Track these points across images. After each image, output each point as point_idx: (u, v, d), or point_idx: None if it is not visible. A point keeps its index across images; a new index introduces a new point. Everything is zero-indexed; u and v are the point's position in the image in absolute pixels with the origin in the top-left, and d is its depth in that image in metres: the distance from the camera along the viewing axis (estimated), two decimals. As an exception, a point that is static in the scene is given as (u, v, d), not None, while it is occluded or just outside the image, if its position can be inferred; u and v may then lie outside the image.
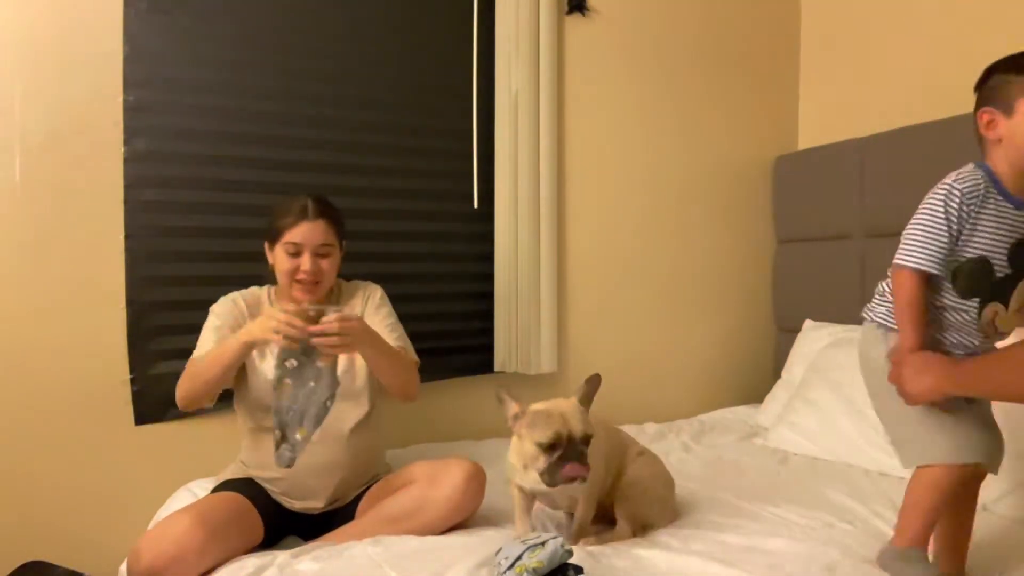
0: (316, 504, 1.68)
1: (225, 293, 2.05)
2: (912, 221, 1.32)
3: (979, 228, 1.27)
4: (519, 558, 1.22)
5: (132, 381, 2.04)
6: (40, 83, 1.93)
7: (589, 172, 2.69)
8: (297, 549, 1.47)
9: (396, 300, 2.38)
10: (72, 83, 1.96)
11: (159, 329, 2.07)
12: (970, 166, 1.32)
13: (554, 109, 2.52)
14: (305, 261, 1.71)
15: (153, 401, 2.06)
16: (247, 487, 1.66)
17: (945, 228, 1.27)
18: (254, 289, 1.86)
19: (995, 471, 1.33)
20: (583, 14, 2.63)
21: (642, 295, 2.81)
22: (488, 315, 2.50)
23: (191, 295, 2.09)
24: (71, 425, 1.98)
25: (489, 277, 2.49)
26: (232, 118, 2.15)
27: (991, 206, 1.27)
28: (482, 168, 2.48)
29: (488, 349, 2.50)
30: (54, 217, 1.96)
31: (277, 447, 1.59)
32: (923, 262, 1.27)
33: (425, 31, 2.41)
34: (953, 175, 1.31)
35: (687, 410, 2.79)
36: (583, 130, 2.67)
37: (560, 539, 1.26)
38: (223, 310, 1.78)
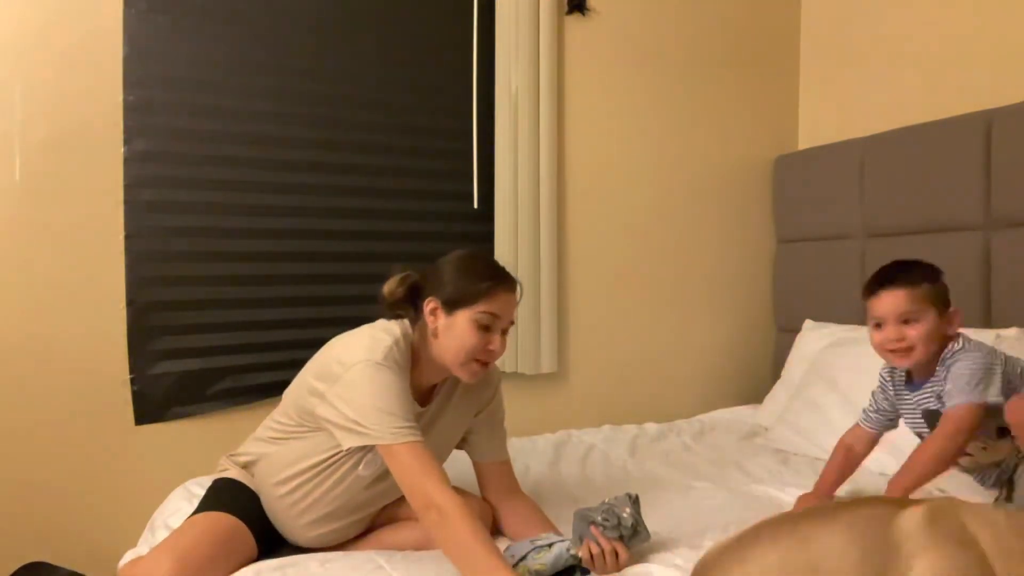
0: (328, 545, 1.56)
1: (225, 293, 2.05)
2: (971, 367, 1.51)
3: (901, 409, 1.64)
4: (524, 558, 1.22)
5: (132, 381, 2.04)
6: (40, 83, 1.93)
7: (589, 172, 2.69)
8: (298, 556, 1.46)
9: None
10: (72, 83, 1.96)
11: (159, 329, 2.07)
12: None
13: (554, 109, 2.52)
14: (496, 340, 1.43)
15: (153, 401, 2.06)
16: (243, 501, 1.52)
17: (878, 406, 1.69)
18: (400, 345, 1.43)
19: None
20: (583, 14, 2.63)
21: (642, 295, 2.81)
22: (488, 315, 2.50)
23: (191, 295, 2.09)
24: (71, 425, 1.98)
25: (489, 277, 2.49)
26: (232, 118, 2.15)
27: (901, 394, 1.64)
28: (482, 168, 2.48)
29: (488, 349, 2.49)
30: (54, 217, 1.96)
31: None
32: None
33: (425, 31, 2.41)
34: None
35: (687, 410, 2.79)
36: (583, 130, 2.67)
37: (567, 543, 1.26)
38: (399, 372, 1.39)
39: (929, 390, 1.54)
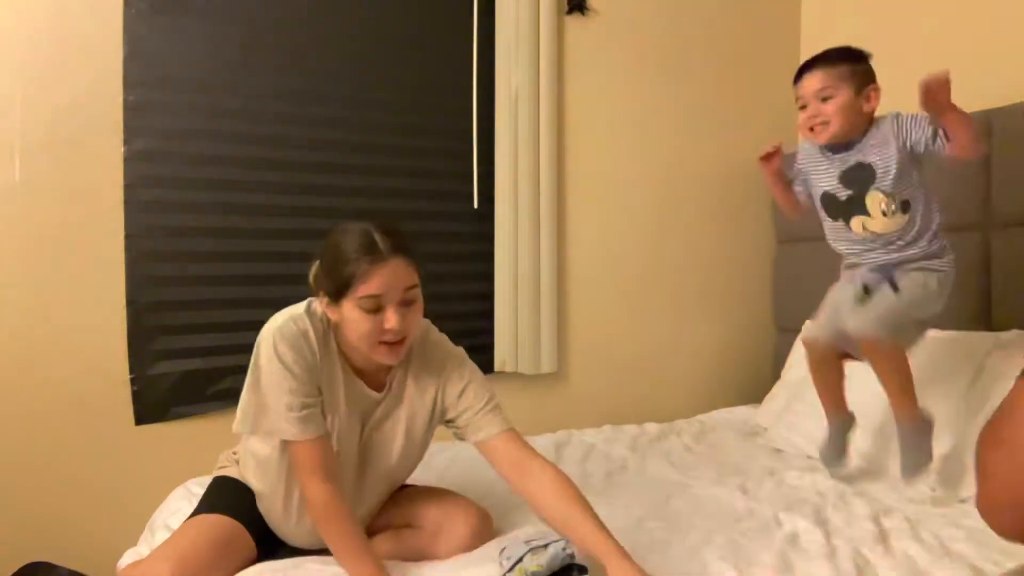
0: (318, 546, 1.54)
1: (225, 293, 2.04)
2: None
3: (817, 175, 1.81)
4: (520, 560, 1.22)
5: (132, 381, 2.04)
6: (40, 83, 1.93)
7: (589, 172, 2.69)
8: (299, 559, 1.46)
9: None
10: (72, 83, 1.96)
11: (159, 329, 2.07)
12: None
13: (554, 109, 2.52)
14: (391, 317, 1.32)
15: (153, 401, 2.06)
16: (241, 501, 1.52)
17: (796, 169, 1.89)
18: (315, 324, 1.40)
19: None
20: (583, 14, 2.63)
21: (642, 295, 2.81)
22: (488, 315, 2.50)
23: (191, 295, 2.09)
24: (71, 425, 1.98)
25: (489, 277, 2.49)
26: (232, 118, 2.15)
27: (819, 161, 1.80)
28: (482, 168, 2.48)
29: (488, 349, 2.50)
30: (54, 217, 1.96)
31: None
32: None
33: (425, 31, 2.41)
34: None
35: (687, 410, 2.79)
36: (583, 130, 2.67)
37: (563, 542, 1.25)
38: (301, 361, 1.36)
39: (857, 150, 1.71)
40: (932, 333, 2.18)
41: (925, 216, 1.73)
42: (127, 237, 2.03)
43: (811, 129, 1.69)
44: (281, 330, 1.36)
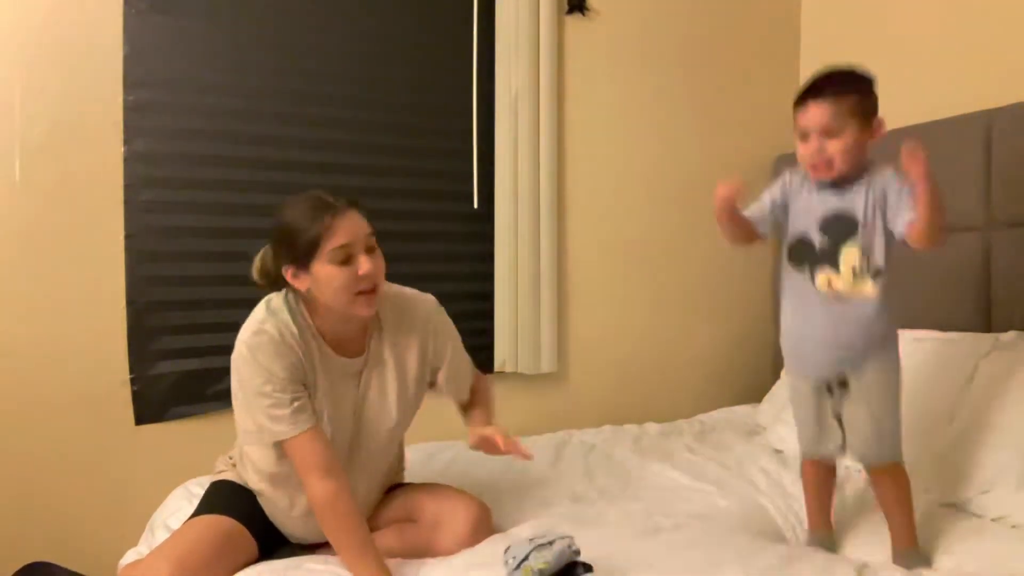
0: (321, 540, 1.53)
1: (225, 293, 2.03)
2: None
3: (791, 205, 1.60)
4: (526, 558, 1.22)
5: (132, 381, 2.04)
6: (40, 83, 1.93)
7: (589, 172, 2.69)
8: (299, 558, 1.46)
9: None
10: (72, 83, 1.96)
11: (159, 329, 2.07)
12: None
13: (554, 109, 2.51)
14: (363, 263, 1.40)
15: (153, 401, 2.06)
16: (241, 501, 1.53)
17: (774, 192, 1.63)
18: (285, 318, 1.44)
19: None
20: (583, 14, 2.63)
21: (642, 295, 2.81)
22: (488, 315, 2.50)
23: (191, 295, 2.09)
24: (71, 425, 1.98)
25: (489, 277, 2.49)
26: (232, 118, 2.15)
27: (799, 191, 1.59)
28: (482, 168, 2.48)
29: (488, 349, 2.49)
30: (54, 217, 1.96)
31: None
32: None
33: (425, 31, 2.41)
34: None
35: (687, 410, 2.78)
36: (583, 130, 2.67)
37: (568, 539, 1.25)
38: (278, 361, 1.40)
39: (845, 194, 1.53)
40: (931, 334, 2.19)
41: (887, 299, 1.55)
42: (127, 237, 2.03)
43: (813, 165, 1.51)
44: (249, 344, 1.41)
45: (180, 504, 1.72)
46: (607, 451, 2.24)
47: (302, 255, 1.39)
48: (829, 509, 1.66)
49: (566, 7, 2.60)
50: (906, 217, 1.46)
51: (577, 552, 1.25)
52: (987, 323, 2.17)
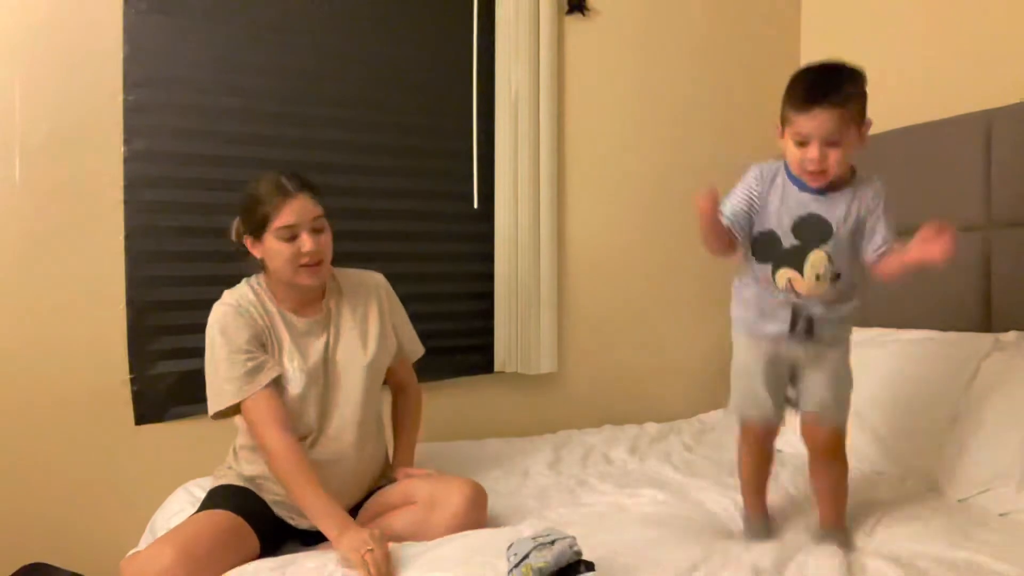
0: (313, 527, 1.58)
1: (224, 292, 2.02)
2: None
3: (767, 203, 1.53)
4: (527, 556, 1.23)
5: (132, 381, 2.04)
6: (40, 83, 1.93)
7: (589, 172, 2.69)
8: (296, 555, 1.46)
9: (396, 300, 2.37)
10: (72, 83, 1.96)
11: (159, 329, 2.07)
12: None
13: (554, 109, 2.51)
14: (306, 241, 1.57)
15: (153, 401, 2.06)
16: (242, 500, 1.57)
17: (744, 191, 1.55)
18: (244, 291, 1.66)
19: None
20: (583, 14, 2.63)
21: (642, 295, 2.81)
22: (488, 315, 2.50)
23: (191, 295, 2.08)
24: (71, 425, 1.98)
25: (489, 277, 2.49)
26: (232, 118, 2.15)
27: (775, 187, 1.53)
28: (482, 168, 2.48)
29: (488, 349, 2.50)
30: (54, 217, 1.96)
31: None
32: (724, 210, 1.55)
33: (425, 31, 2.41)
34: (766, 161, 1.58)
35: (687, 410, 2.78)
36: (583, 130, 2.67)
37: (570, 539, 1.26)
38: (234, 328, 1.58)
39: (824, 199, 1.49)
40: (931, 334, 2.19)
41: (854, 288, 1.55)
42: (127, 237, 2.03)
43: (810, 171, 1.45)
44: (215, 315, 1.61)
45: (181, 505, 1.73)
46: (606, 451, 2.24)
47: (256, 228, 1.60)
48: (765, 494, 1.68)
49: (566, 7, 2.60)
50: (880, 249, 1.47)
51: (578, 553, 1.25)
52: (987, 323, 2.18)
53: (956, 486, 1.77)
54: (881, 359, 2.11)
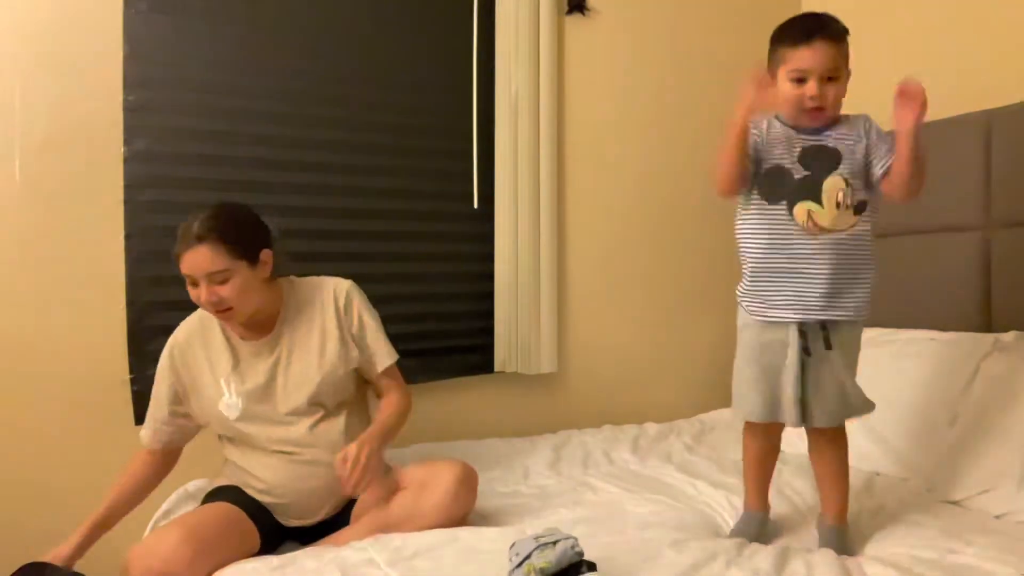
0: (311, 521, 1.65)
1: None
2: None
3: (768, 147, 1.49)
4: (529, 556, 1.23)
5: (132, 381, 2.03)
6: (40, 83, 1.93)
7: (589, 172, 2.69)
8: (293, 553, 1.46)
9: (397, 301, 2.37)
10: (72, 83, 1.96)
11: (159, 329, 2.06)
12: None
13: (554, 109, 2.51)
14: (203, 292, 1.55)
15: (153, 401, 2.06)
16: (240, 495, 1.62)
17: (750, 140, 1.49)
18: (192, 322, 1.75)
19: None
20: (583, 14, 2.63)
21: (642, 295, 2.81)
22: (488, 315, 2.50)
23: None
24: (71, 425, 1.98)
25: (489, 277, 2.49)
26: (232, 118, 2.15)
27: (772, 131, 1.50)
28: (482, 168, 2.48)
29: (488, 349, 2.50)
30: (54, 217, 1.96)
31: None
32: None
33: (425, 31, 2.41)
34: None
35: (687, 410, 2.79)
36: (583, 130, 2.67)
37: (572, 540, 1.26)
38: (161, 376, 1.73)
39: (825, 136, 1.47)
40: (931, 334, 2.19)
41: (872, 238, 1.50)
42: (127, 237, 2.03)
43: (812, 110, 1.43)
44: (164, 351, 1.71)
45: (180, 505, 1.73)
46: (607, 451, 2.24)
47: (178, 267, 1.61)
48: (768, 486, 1.64)
49: (566, 7, 2.60)
50: (885, 161, 1.44)
51: (580, 553, 1.26)
52: (987, 323, 2.18)
53: (955, 487, 1.77)
54: (881, 359, 2.11)
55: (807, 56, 1.40)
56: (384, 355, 1.75)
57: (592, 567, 1.25)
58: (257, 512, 1.59)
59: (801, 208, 1.44)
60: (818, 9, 1.59)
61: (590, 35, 2.66)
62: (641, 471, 2.06)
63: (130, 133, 2.02)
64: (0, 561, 1.85)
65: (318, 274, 2.25)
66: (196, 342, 1.69)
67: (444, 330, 2.47)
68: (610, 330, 2.75)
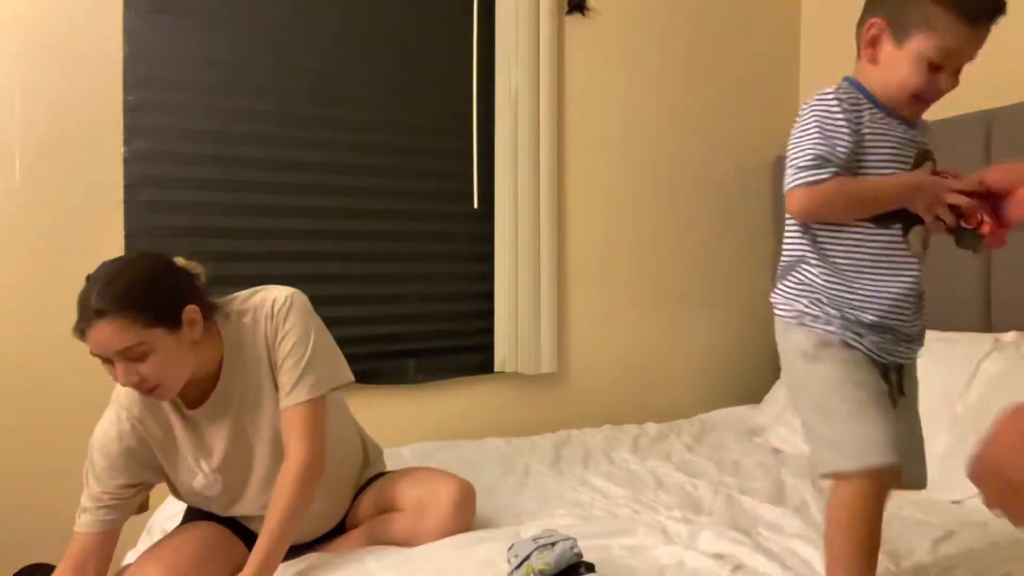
0: (301, 541, 1.55)
1: (225, 292, 2.02)
2: (796, 138, 1.16)
3: (868, 147, 1.12)
4: (527, 558, 1.23)
5: (132, 381, 2.03)
6: (40, 83, 1.93)
7: (589, 172, 2.69)
8: (289, 562, 1.46)
9: (397, 301, 2.37)
10: (72, 83, 1.96)
11: (159, 329, 2.07)
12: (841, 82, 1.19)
13: (554, 109, 2.52)
14: (119, 372, 1.28)
15: (153, 401, 2.06)
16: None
17: (846, 128, 1.11)
18: (120, 409, 1.44)
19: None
20: (583, 14, 2.63)
21: (642, 295, 2.81)
22: (488, 315, 2.50)
23: (191, 295, 2.09)
24: (71, 425, 1.98)
25: (489, 277, 2.49)
26: (232, 118, 2.15)
27: (870, 123, 1.14)
28: (482, 168, 2.48)
29: (488, 349, 2.50)
30: (54, 217, 1.96)
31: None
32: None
33: (425, 31, 2.41)
34: (824, 89, 1.17)
35: (687, 410, 2.79)
36: (583, 130, 2.67)
37: (571, 541, 1.26)
38: (100, 468, 1.45)
39: (919, 130, 1.20)
40: (931, 334, 2.18)
41: None
42: (127, 237, 2.03)
43: (928, 100, 1.14)
44: (94, 437, 1.44)
45: (178, 507, 1.73)
46: (607, 451, 2.24)
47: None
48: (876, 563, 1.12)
49: (566, 7, 2.60)
50: None
51: (579, 554, 1.26)
52: (987, 323, 2.18)
53: (955, 487, 1.77)
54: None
55: (970, 40, 1.12)
56: (293, 389, 1.40)
57: (591, 568, 1.26)
58: (240, 528, 1.52)
59: (917, 234, 1.14)
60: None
61: (590, 35, 2.66)
62: (642, 471, 2.05)
63: (130, 133, 2.02)
64: (1, 560, 1.86)
65: (318, 273, 2.27)
66: (144, 411, 1.41)
67: (444, 330, 2.48)
68: (610, 330, 2.75)
